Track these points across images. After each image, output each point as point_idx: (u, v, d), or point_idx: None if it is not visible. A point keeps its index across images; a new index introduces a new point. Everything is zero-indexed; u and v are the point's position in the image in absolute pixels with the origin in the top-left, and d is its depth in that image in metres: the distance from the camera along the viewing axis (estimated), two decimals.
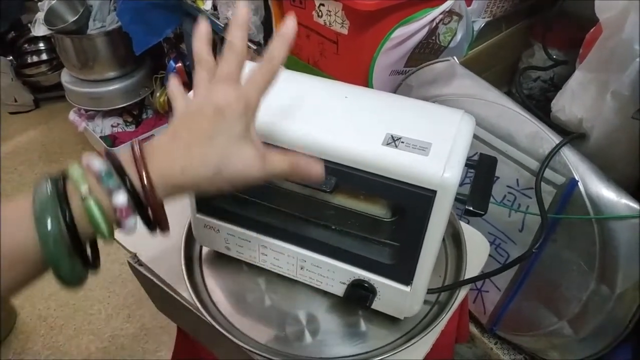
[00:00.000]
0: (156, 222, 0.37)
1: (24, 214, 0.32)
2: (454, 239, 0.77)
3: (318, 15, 0.87)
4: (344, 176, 0.52)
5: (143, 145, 0.35)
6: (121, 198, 0.33)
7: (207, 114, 0.36)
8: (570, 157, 0.69)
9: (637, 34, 0.59)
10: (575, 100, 0.72)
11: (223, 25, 1.20)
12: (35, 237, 0.32)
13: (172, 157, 0.35)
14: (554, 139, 0.70)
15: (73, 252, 0.33)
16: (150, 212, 0.35)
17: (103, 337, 1.40)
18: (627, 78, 0.62)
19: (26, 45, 2.17)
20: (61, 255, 0.33)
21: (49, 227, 0.32)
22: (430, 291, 0.67)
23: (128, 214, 0.34)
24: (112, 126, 1.80)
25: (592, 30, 0.71)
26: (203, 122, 0.36)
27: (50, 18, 1.54)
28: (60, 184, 0.33)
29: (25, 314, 1.46)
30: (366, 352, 0.62)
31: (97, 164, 0.34)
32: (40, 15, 1.56)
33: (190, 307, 0.67)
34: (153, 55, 1.72)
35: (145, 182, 0.34)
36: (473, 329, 0.94)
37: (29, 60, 2.19)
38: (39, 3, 1.61)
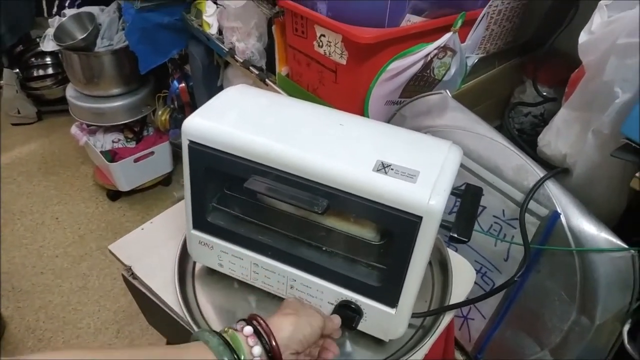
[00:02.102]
0: None
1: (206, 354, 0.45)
2: (441, 266, 0.79)
3: (319, 45, 0.91)
4: (335, 199, 0.54)
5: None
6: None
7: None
8: (553, 190, 0.72)
9: (618, 77, 0.63)
10: (560, 136, 0.76)
11: (227, 50, 1.24)
12: None
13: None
14: (539, 172, 0.73)
15: None
16: None
17: None
18: (607, 118, 0.66)
19: (33, 59, 2.21)
20: None
21: None
22: (415, 315, 0.69)
23: None
24: (113, 142, 1.83)
25: (576, 70, 0.75)
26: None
27: (60, 34, 1.58)
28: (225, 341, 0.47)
29: (14, 325, 1.46)
30: None
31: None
32: (50, 31, 1.60)
33: (180, 322, 0.68)
34: (157, 75, 1.76)
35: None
36: (459, 356, 0.95)
37: (35, 74, 2.23)
38: (50, 20, 1.66)
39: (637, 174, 0.60)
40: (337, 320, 0.60)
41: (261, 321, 0.50)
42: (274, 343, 0.49)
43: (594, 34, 0.64)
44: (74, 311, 1.50)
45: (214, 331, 0.49)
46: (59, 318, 1.48)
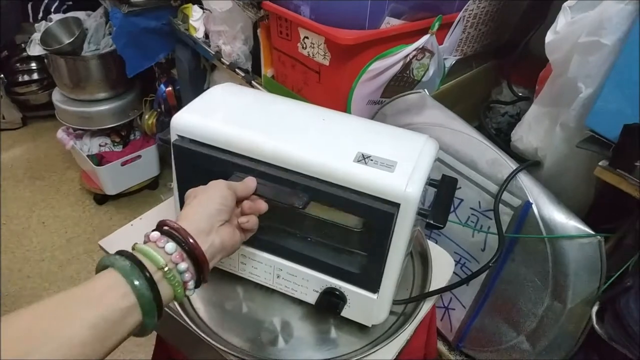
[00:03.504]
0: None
1: (115, 281, 0.41)
2: (421, 257, 0.83)
3: (302, 47, 0.94)
4: (317, 189, 0.57)
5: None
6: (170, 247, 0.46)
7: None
8: (525, 181, 0.76)
9: (581, 73, 0.67)
10: (531, 131, 0.80)
11: (214, 53, 1.27)
12: (133, 297, 0.41)
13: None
14: (512, 165, 0.77)
15: (156, 308, 0.43)
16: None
17: None
18: (573, 111, 0.70)
19: (18, 65, 2.21)
20: (152, 309, 0.42)
21: (141, 287, 0.41)
22: (396, 302, 0.72)
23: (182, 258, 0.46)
24: (100, 145, 1.84)
25: (544, 68, 0.79)
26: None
27: (46, 39, 1.60)
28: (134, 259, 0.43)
29: None
30: (335, 357, 0.66)
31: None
32: (37, 36, 1.62)
33: (171, 313, 0.70)
34: (144, 79, 1.78)
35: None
36: (441, 346, 0.99)
37: (20, 79, 2.23)
38: (36, 24, 1.67)
39: (599, 163, 0.64)
40: (249, 181, 0.57)
41: (168, 221, 0.48)
42: (183, 233, 0.47)
43: (559, 33, 0.69)
44: None
45: (122, 251, 0.44)
46: None
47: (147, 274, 0.42)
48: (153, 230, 0.47)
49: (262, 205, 0.57)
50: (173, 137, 0.64)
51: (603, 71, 0.65)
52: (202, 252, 0.48)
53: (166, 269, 0.44)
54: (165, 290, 0.44)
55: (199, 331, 0.65)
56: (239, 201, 0.56)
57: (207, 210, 0.51)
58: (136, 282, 0.41)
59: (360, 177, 0.56)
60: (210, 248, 0.49)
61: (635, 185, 0.62)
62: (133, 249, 0.45)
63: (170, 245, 0.45)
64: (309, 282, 0.67)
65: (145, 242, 0.47)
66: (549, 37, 0.71)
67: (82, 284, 0.41)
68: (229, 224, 0.54)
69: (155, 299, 0.42)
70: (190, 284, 0.47)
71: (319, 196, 0.58)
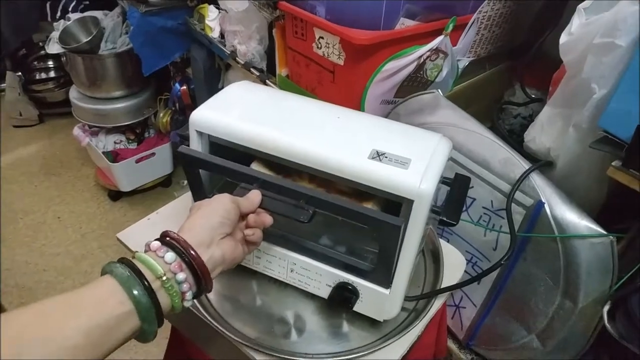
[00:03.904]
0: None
1: (113, 289, 0.42)
2: (433, 255, 0.83)
3: (317, 47, 0.96)
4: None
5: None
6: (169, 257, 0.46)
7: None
8: (538, 181, 0.76)
9: (595, 74, 0.68)
10: (544, 131, 0.81)
11: (229, 52, 1.29)
12: (130, 305, 0.41)
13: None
14: (524, 164, 0.78)
15: (155, 315, 0.44)
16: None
17: None
18: (586, 112, 0.71)
19: (35, 63, 2.25)
20: (150, 316, 0.43)
21: (138, 295, 0.42)
22: (407, 298, 0.73)
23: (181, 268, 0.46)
24: (115, 143, 1.87)
25: (558, 70, 0.80)
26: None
27: (65, 37, 1.63)
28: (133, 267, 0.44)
29: None
30: (347, 351, 0.67)
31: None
32: (55, 35, 1.65)
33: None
34: (159, 77, 1.81)
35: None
36: (451, 344, 0.99)
37: (37, 77, 2.28)
38: (55, 23, 1.71)
39: (612, 163, 0.65)
40: (253, 196, 0.57)
41: (169, 232, 0.48)
42: (183, 244, 0.46)
43: (573, 34, 0.70)
44: None
45: (122, 258, 0.45)
46: None
47: (146, 282, 0.43)
48: (154, 240, 0.48)
49: (267, 219, 0.58)
50: (192, 133, 0.65)
51: (617, 72, 0.65)
52: (202, 263, 0.48)
53: (164, 278, 0.44)
54: (163, 299, 0.44)
55: (214, 322, 0.66)
56: (243, 215, 0.56)
57: (209, 222, 0.51)
58: (134, 290, 0.42)
59: (375, 173, 0.57)
60: (210, 260, 0.49)
61: None
62: (133, 257, 0.46)
63: (170, 255, 0.46)
64: (321, 277, 0.68)
65: (145, 251, 0.47)
66: (564, 38, 0.71)
67: (82, 289, 0.41)
68: (231, 238, 0.54)
69: (153, 306, 0.43)
70: (188, 295, 0.47)
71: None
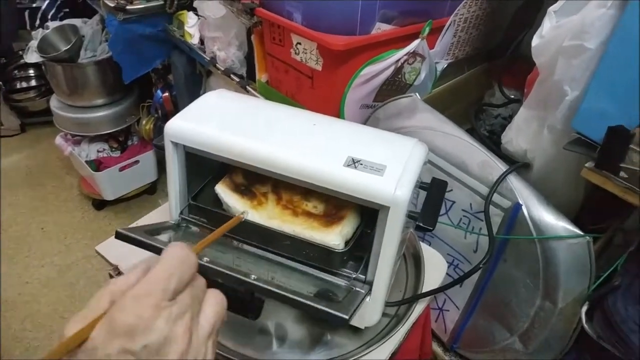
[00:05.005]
0: None
1: None
2: (414, 259, 0.84)
3: (295, 53, 0.95)
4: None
5: None
6: None
7: None
8: (515, 183, 0.77)
9: (566, 76, 0.68)
10: (520, 133, 0.81)
11: (209, 59, 1.28)
12: None
13: None
14: (502, 167, 0.78)
15: None
16: None
17: None
18: (560, 114, 0.71)
19: (16, 72, 2.23)
20: None
21: None
22: (388, 304, 0.73)
23: None
24: (98, 151, 1.85)
25: (532, 72, 0.80)
26: None
27: (43, 46, 1.61)
28: None
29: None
30: (329, 359, 0.67)
31: None
32: (34, 43, 1.63)
33: None
34: (141, 85, 1.80)
35: None
36: (435, 347, 0.99)
37: (18, 86, 2.25)
38: (33, 32, 1.69)
39: (586, 164, 0.65)
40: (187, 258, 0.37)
41: None
42: None
43: (544, 37, 0.70)
44: (61, 320, 1.51)
45: None
46: (46, 327, 1.49)
47: None
48: None
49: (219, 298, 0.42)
50: (167, 144, 0.65)
51: (587, 74, 0.66)
52: None
53: None
54: None
55: None
56: None
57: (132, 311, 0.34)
58: None
59: (351, 181, 0.57)
60: None
61: (620, 185, 0.63)
62: None
63: None
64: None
65: None
66: (535, 40, 0.72)
67: None
68: None
69: None
70: None
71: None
